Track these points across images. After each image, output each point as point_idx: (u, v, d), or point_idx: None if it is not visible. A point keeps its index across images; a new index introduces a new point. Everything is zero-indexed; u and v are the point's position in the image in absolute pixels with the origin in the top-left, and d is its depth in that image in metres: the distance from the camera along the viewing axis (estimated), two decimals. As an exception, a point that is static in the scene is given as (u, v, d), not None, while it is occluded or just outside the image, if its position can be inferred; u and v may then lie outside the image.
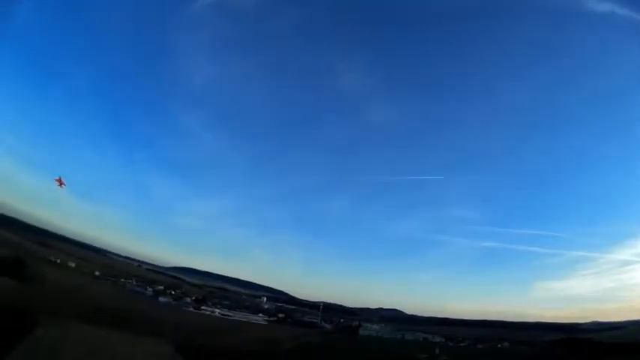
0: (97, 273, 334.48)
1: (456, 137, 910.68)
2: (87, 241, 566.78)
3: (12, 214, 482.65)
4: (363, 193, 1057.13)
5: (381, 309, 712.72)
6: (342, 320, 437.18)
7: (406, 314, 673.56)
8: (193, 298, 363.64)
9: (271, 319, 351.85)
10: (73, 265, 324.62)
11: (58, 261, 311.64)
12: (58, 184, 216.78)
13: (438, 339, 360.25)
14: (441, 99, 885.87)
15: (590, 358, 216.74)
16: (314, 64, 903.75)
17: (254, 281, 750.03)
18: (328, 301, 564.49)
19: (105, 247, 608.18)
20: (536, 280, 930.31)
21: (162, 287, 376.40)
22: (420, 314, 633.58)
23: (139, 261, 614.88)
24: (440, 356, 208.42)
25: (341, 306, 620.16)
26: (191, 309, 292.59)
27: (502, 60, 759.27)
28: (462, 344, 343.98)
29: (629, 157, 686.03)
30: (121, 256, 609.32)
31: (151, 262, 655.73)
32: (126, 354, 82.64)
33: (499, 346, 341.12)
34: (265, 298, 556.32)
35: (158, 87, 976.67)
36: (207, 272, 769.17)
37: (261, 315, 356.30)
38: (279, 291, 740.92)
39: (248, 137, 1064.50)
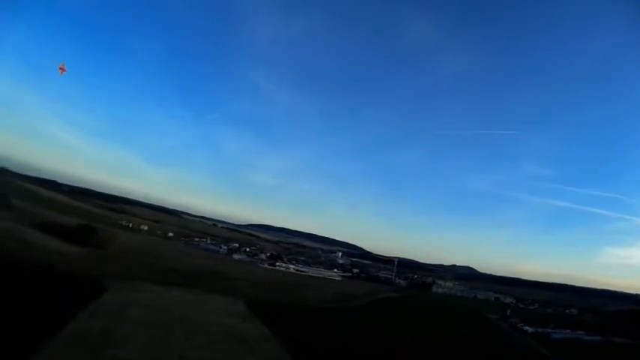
0: (170, 234, 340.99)
1: (531, 92, 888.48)
2: (161, 204, 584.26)
3: (82, 184, 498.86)
4: (437, 147, 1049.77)
5: (455, 266, 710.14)
6: (415, 276, 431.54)
7: (479, 272, 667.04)
8: (268, 254, 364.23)
9: (346, 274, 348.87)
10: (145, 228, 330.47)
11: (130, 225, 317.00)
12: (60, 71, 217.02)
13: (509, 300, 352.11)
14: (514, 51, 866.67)
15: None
16: (384, 17, 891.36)
17: (330, 236, 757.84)
18: (403, 256, 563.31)
19: (179, 209, 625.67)
20: (605, 246, 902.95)
21: (236, 245, 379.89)
22: (492, 273, 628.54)
23: (214, 220, 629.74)
24: (510, 318, 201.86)
25: (415, 262, 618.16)
26: (266, 265, 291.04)
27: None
28: (531, 307, 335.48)
29: None
30: (195, 216, 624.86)
31: (226, 220, 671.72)
32: (196, 313, 78.77)
33: (567, 311, 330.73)
34: (340, 254, 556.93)
35: (228, 48, 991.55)
36: (283, 228, 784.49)
37: (335, 270, 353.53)
38: (354, 246, 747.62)
39: (321, 94, 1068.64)
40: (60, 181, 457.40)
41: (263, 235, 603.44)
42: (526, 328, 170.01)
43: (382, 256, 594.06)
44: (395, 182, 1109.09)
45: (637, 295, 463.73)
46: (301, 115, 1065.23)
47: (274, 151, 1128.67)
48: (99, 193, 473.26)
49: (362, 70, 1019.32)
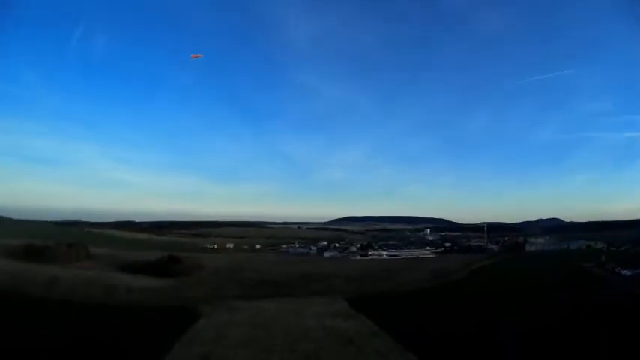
0: (257, 246, 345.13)
1: (575, 25, 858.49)
2: (243, 219, 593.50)
3: (161, 219, 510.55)
4: (499, 104, 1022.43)
5: (540, 220, 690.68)
6: (505, 238, 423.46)
7: (565, 222, 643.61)
8: (358, 245, 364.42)
9: (438, 249, 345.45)
10: (231, 245, 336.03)
11: (215, 246, 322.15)
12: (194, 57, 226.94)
13: (600, 245, 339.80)
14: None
15: None
16: None
17: (414, 215, 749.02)
18: (489, 220, 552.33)
19: (262, 220, 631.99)
20: None
21: (325, 242, 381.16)
22: (578, 220, 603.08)
23: (298, 223, 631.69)
24: (606, 263, 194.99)
25: (502, 224, 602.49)
26: (358, 257, 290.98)
27: None
28: (622, 248, 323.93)
29: None
30: (279, 223, 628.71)
31: (310, 220, 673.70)
32: (297, 321, 77.77)
33: None
34: (429, 230, 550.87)
35: (271, 55, 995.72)
36: (367, 217, 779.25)
37: (428, 248, 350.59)
38: (440, 220, 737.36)
39: (370, 79, 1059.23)
40: (138, 220, 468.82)
41: (349, 228, 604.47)
42: (624, 271, 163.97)
43: (470, 224, 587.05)
44: (465, 149, 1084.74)
45: None
46: (357, 103, 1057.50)
47: (340, 145, 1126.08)
48: (180, 222, 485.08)
49: (407, 45, 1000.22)
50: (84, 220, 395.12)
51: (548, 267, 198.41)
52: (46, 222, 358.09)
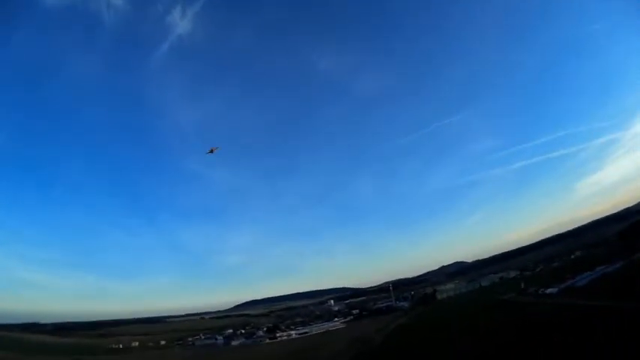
0: (162, 342, 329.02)
1: (450, 79, 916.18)
2: (144, 315, 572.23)
3: (65, 319, 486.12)
4: (386, 164, 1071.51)
5: (443, 267, 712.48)
6: (412, 293, 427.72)
7: (469, 262, 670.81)
8: (264, 328, 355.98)
9: (347, 319, 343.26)
10: (136, 344, 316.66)
11: (120, 346, 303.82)
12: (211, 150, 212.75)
13: (513, 273, 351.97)
14: (421, 51, 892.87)
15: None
16: (291, 65, 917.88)
17: (315, 288, 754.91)
18: (391, 279, 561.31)
19: (163, 314, 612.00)
20: (574, 182, 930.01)
21: (231, 330, 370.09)
22: (482, 257, 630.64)
23: (200, 314, 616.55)
24: (527, 289, 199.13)
25: (405, 278, 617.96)
26: (267, 340, 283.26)
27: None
28: (537, 269, 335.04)
29: (616, 31, 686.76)
30: (180, 316, 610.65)
31: (211, 310, 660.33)
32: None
33: (572, 257, 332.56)
34: (332, 301, 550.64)
35: (155, 143, 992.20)
36: (269, 298, 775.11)
37: (336, 319, 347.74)
38: (342, 288, 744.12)
39: (255, 159, 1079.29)
40: (42, 321, 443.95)
41: (252, 312, 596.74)
42: (549, 290, 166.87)
43: (373, 286, 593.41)
44: (358, 213, 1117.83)
45: (625, 209, 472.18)
46: (246, 185, 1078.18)
47: (233, 229, 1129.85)
48: (83, 323, 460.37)
49: (288, 121, 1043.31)
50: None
51: (468, 310, 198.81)
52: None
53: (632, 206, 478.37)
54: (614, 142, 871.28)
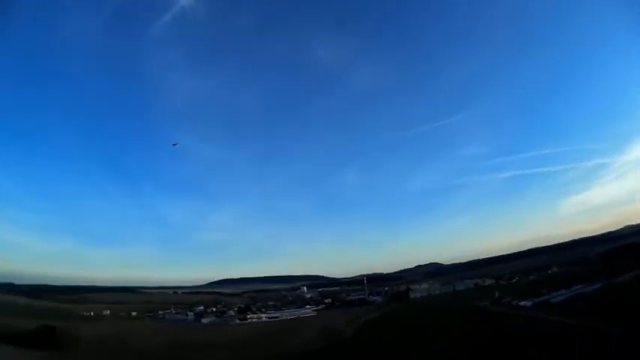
0: (133, 313, 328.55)
1: (449, 80, 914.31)
2: (117, 284, 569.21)
3: (42, 282, 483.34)
4: (373, 158, 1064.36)
5: (420, 266, 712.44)
6: (386, 288, 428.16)
7: (446, 265, 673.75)
8: (236, 309, 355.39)
9: (319, 307, 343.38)
10: (107, 312, 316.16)
11: (92, 314, 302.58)
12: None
13: (488, 281, 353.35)
14: (421, 49, 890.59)
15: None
16: (290, 52, 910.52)
17: (290, 274, 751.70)
18: (366, 272, 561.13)
19: (138, 285, 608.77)
20: (560, 199, 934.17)
21: (202, 307, 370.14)
22: (459, 261, 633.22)
23: (174, 288, 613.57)
24: (502, 298, 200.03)
25: (380, 274, 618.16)
26: (237, 321, 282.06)
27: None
28: (513, 280, 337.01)
29: (619, 57, 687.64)
30: (154, 287, 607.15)
31: (186, 284, 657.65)
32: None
33: (549, 272, 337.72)
34: (305, 288, 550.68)
35: (146, 114, 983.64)
36: (243, 278, 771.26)
37: (308, 306, 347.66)
38: (316, 276, 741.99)
39: (245, 139, 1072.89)
40: (17, 282, 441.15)
41: (226, 290, 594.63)
42: (523, 303, 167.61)
43: (347, 278, 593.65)
44: (341, 204, 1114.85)
45: (608, 232, 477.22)
46: (233, 164, 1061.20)
47: (216, 206, 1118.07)
48: (59, 287, 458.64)
49: (283, 106, 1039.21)
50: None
51: (441, 312, 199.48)
52: None
53: (615, 230, 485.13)
54: (604, 167, 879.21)
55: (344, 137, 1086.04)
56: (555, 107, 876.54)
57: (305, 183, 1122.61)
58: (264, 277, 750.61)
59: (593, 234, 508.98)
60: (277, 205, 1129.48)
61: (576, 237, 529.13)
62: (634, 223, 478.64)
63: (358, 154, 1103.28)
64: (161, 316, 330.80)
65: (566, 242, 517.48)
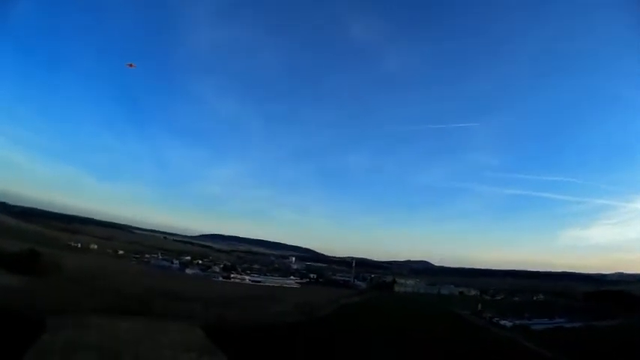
0: (120, 252, 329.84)
1: (476, 84, 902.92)
2: (113, 220, 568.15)
3: (36, 205, 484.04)
4: (385, 144, 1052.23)
5: (410, 261, 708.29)
6: (372, 276, 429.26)
7: (435, 266, 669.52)
8: (222, 265, 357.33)
9: (303, 280, 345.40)
10: (95, 247, 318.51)
11: (79, 245, 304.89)
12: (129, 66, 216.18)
13: (473, 292, 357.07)
14: (456, 46, 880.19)
15: (627, 311, 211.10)
16: (320, 17, 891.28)
17: (281, 241, 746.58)
18: (356, 255, 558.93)
19: (131, 224, 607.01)
20: (559, 229, 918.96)
21: (189, 258, 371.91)
22: (448, 265, 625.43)
23: (165, 233, 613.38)
24: (483, 312, 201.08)
25: (370, 260, 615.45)
26: (220, 278, 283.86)
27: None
28: (498, 297, 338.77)
29: None
30: (146, 230, 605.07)
31: (177, 232, 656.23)
32: (150, 351, 71.27)
33: (534, 298, 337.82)
34: (294, 259, 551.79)
35: (167, 59, 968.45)
36: (234, 236, 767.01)
37: (292, 278, 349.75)
38: (306, 249, 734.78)
39: (264, 99, 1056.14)
40: (10, 202, 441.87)
41: (215, 246, 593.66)
42: (503, 322, 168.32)
43: (335, 257, 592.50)
44: (344, 182, 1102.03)
45: (599, 274, 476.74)
46: (245, 121, 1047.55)
47: (221, 159, 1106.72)
48: (54, 213, 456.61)
49: (305, 72, 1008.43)
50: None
51: (423, 311, 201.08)
52: None
53: (606, 274, 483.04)
54: (611, 209, 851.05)
55: (358, 118, 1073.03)
56: (577, 138, 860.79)
57: (311, 154, 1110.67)
58: (255, 240, 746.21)
59: (584, 271, 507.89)
60: (280, 172, 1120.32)
61: (567, 270, 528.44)
62: (626, 272, 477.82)
63: (369, 137, 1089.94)
64: (147, 259, 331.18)
65: (556, 273, 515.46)
